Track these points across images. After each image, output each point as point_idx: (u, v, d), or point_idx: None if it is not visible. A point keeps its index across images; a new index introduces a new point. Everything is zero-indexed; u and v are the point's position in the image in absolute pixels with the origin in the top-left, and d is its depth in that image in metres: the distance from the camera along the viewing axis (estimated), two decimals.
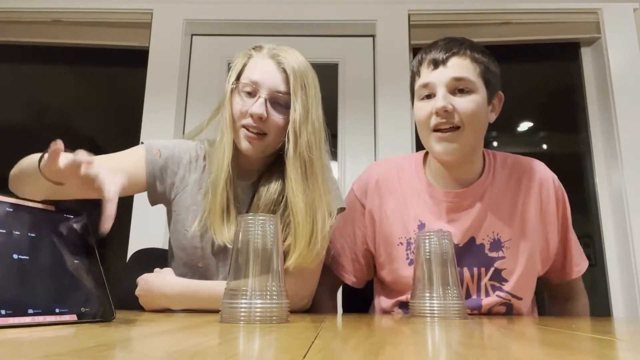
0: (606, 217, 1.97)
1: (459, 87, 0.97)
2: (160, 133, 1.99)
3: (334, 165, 2.12)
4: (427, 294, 0.85)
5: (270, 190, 1.02)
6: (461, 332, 0.60)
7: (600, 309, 1.89)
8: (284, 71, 0.98)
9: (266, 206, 1.01)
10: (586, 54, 2.15)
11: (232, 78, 1.01)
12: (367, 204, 1.13)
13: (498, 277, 1.04)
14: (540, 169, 1.10)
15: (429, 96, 1.00)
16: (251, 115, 0.97)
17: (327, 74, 2.16)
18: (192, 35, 2.19)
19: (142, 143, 1.05)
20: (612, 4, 2.06)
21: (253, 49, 1.03)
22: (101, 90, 2.36)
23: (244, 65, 1.02)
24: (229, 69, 1.06)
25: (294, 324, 0.68)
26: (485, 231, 1.05)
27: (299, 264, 0.95)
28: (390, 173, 1.13)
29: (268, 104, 0.97)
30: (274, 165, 1.05)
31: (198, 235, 1.01)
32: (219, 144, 1.01)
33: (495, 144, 2.25)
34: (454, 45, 1.00)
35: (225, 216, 1.00)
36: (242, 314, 0.67)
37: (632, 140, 1.91)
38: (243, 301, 0.67)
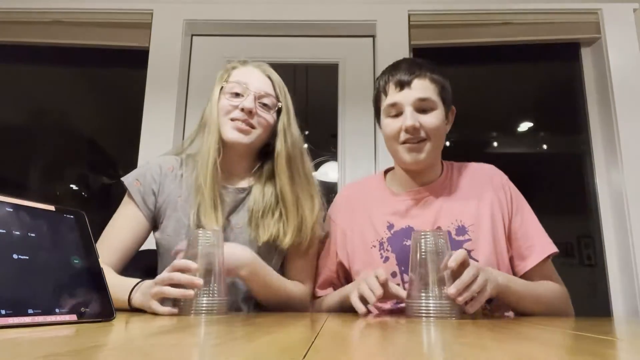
0: (606, 217, 1.97)
1: (422, 106, 1.11)
2: (160, 133, 1.99)
3: (333, 166, 2.13)
4: (423, 294, 0.85)
5: (267, 195, 1.11)
6: (459, 331, 0.60)
7: (600, 309, 1.89)
8: (269, 78, 1.12)
9: (268, 210, 1.10)
10: (586, 54, 2.15)
11: (220, 83, 1.12)
12: (339, 222, 1.24)
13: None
14: (489, 169, 1.24)
15: (397, 114, 1.12)
16: (242, 110, 1.05)
17: (327, 74, 2.15)
18: (192, 35, 2.19)
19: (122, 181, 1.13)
20: (612, 4, 2.06)
21: (238, 62, 1.16)
22: (101, 91, 2.36)
23: (229, 76, 1.12)
24: None
25: (294, 324, 0.68)
26: (448, 219, 1.15)
27: (295, 242, 1.07)
28: (356, 190, 1.29)
29: (256, 102, 1.07)
30: (262, 169, 1.14)
31: (175, 242, 1.06)
32: (205, 141, 1.08)
33: (495, 144, 2.25)
34: (416, 68, 1.13)
35: (214, 212, 1.06)
36: (193, 307, 0.83)
37: (632, 140, 1.91)
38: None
